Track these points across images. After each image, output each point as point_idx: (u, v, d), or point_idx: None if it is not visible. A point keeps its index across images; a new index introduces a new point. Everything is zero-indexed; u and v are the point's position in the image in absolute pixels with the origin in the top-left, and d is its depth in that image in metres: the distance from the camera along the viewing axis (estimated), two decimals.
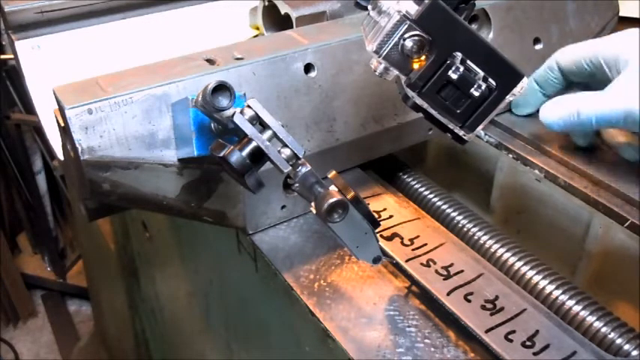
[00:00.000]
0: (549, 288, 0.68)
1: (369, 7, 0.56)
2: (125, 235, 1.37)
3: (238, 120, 0.55)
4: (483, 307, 0.63)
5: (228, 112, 0.56)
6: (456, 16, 0.53)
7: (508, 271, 0.71)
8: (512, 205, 0.91)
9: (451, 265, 0.68)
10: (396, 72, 0.55)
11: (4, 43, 2.47)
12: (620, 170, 0.77)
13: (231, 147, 0.55)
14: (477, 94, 0.55)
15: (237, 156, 0.54)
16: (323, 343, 0.64)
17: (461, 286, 0.66)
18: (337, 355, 0.61)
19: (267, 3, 0.97)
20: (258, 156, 0.55)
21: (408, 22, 0.52)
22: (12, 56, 0.98)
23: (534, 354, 0.59)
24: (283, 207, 0.75)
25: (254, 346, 0.91)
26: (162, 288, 1.31)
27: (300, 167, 0.57)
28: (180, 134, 0.64)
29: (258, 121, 0.56)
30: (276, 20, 0.97)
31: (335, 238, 0.60)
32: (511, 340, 0.60)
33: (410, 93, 0.56)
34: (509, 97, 0.56)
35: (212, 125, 0.60)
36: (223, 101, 0.56)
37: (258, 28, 1.02)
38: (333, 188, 0.57)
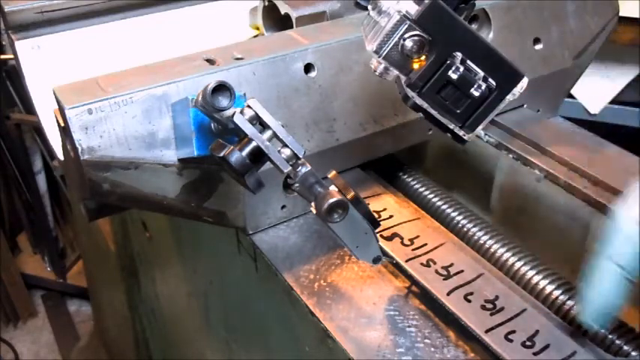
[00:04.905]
0: (549, 288, 0.68)
1: (369, 7, 0.56)
2: (125, 235, 1.37)
3: (238, 120, 0.55)
4: (483, 307, 0.63)
5: (228, 112, 0.56)
6: (456, 16, 0.53)
7: (508, 271, 0.71)
8: (512, 205, 0.91)
9: (451, 265, 0.68)
10: (396, 72, 0.55)
11: (4, 43, 2.47)
12: (620, 170, 0.77)
13: (231, 147, 0.55)
14: (477, 94, 0.55)
15: (237, 156, 0.54)
16: (323, 343, 0.64)
17: (461, 286, 0.66)
18: (337, 355, 0.61)
19: (267, 3, 0.96)
20: (258, 156, 0.55)
21: (408, 22, 0.52)
22: (12, 56, 0.98)
23: (534, 354, 0.59)
24: (283, 207, 0.75)
25: (254, 346, 0.91)
26: (162, 288, 1.30)
27: (300, 167, 0.57)
28: (181, 134, 0.64)
29: (258, 121, 0.56)
30: (276, 20, 0.97)
31: (335, 238, 0.60)
32: (511, 340, 0.60)
33: (410, 93, 0.56)
34: (509, 97, 0.56)
35: (212, 125, 0.60)
36: (223, 101, 0.56)
37: (258, 28, 1.02)
38: (333, 188, 0.57)
